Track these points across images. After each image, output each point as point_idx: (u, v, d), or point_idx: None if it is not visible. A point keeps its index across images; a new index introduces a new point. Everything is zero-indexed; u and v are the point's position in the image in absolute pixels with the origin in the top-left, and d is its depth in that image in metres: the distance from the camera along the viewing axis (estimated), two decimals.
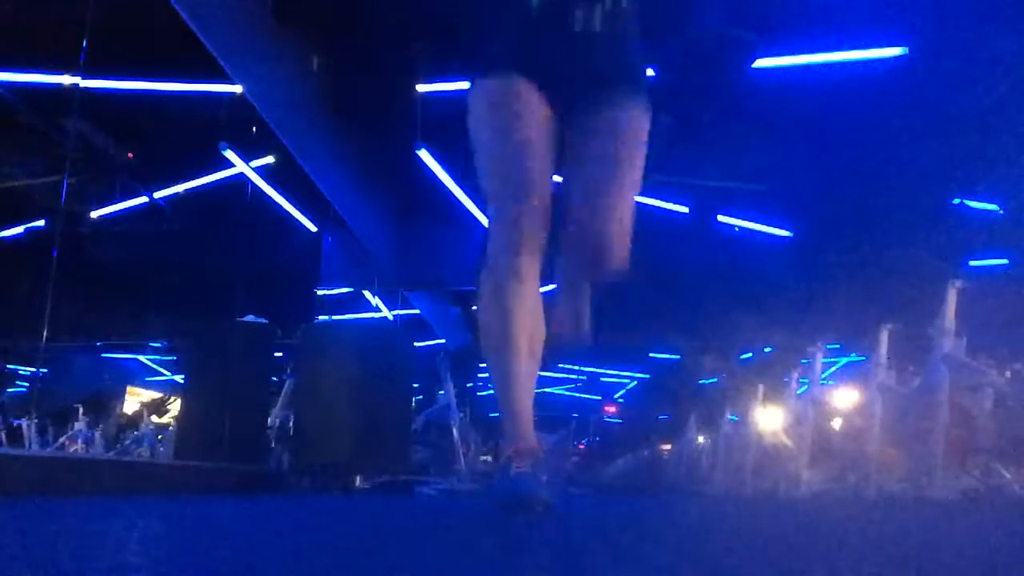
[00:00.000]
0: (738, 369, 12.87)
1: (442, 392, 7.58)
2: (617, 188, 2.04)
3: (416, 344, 7.82)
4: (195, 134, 6.83)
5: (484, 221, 8.56)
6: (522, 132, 2.01)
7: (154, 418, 10.27)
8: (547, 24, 2.01)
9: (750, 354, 13.13)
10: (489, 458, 10.32)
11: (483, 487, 6.28)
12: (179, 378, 8.67)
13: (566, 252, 2.18)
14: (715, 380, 14.31)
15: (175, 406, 9.82)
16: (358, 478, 5.80)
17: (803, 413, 6.89)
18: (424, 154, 6.95)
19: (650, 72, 5.71)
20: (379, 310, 10.52)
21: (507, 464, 1.93)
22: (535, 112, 2.03)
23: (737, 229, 8.52)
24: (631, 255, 2.10)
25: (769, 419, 7.87)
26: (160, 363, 13.94)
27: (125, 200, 8.25)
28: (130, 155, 7.61)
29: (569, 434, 13.70)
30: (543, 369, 2.14)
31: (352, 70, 6.33)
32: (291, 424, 6.35)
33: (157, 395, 11.91)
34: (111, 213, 8.33)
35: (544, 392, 15.91)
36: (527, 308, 1.99)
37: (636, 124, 2.07)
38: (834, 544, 1.13)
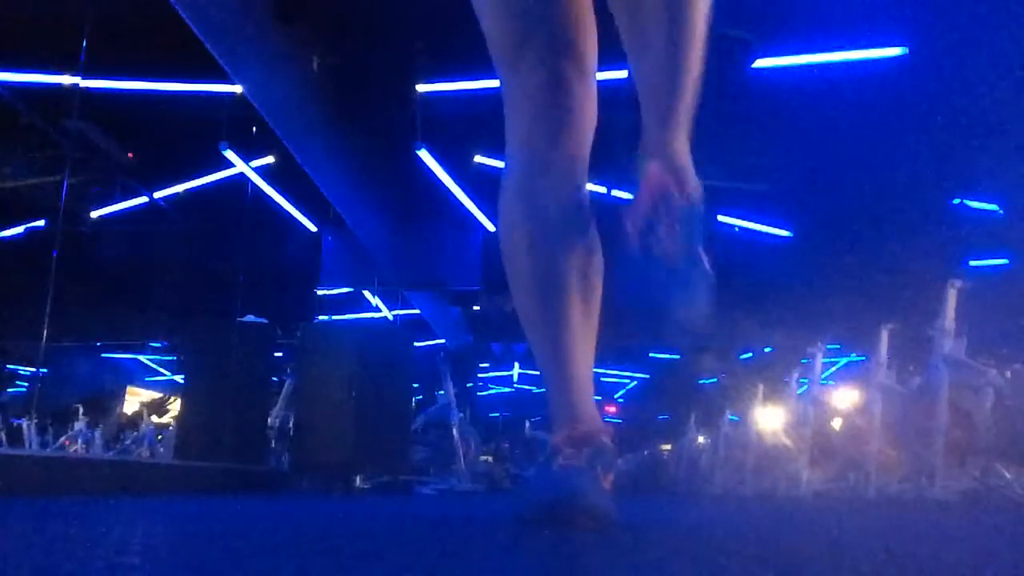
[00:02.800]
0: (738, 369, 12.87)
1: (442, 392, 7.59)
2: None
3: (416, 344, 7.82)
4: (195, 134, 6.84)
5: (485, 221, 8.59)
6: None
7: (154, 418, 10.27)
8: None
9: (750, 354, 13.13)
10: (490, 458, 10.32)
11: (484, 487, 6.28)
12: (179, 378, 8.68)
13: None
14: (715, 380, 14.32)
15: (175, 406, 9.83)
16: (358, 478, 5.80)
17: (803, 413, 6.89)
18: (424, 154, 6.95)
19: None
20: (379, 310, 10.53)
21: (552, 454, 1.33)
22: None
23: (737, 229, 8.51)
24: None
25: (769, 419, 7.88)
26: (160, 363, 13.95)
27: (125, 200, 8.25)
28: (130, 155, 7.61)
29: None
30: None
31: (352, 70, 6.33)
32: (291, 424, 6.36)
33: (157, 395, 11.92)
34: (111, 213, 8.34)
35: (544, 392, 15.76)
36: (571, 225, 1.32)
37: None
38: (834, 544, 1.13)
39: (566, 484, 1.23)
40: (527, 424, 13.69)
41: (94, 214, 8.31)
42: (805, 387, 7.40)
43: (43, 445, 9.29)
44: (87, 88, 6.04)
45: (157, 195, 8.16)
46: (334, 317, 9.67)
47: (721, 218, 8.37)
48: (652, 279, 1.12)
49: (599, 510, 1.21)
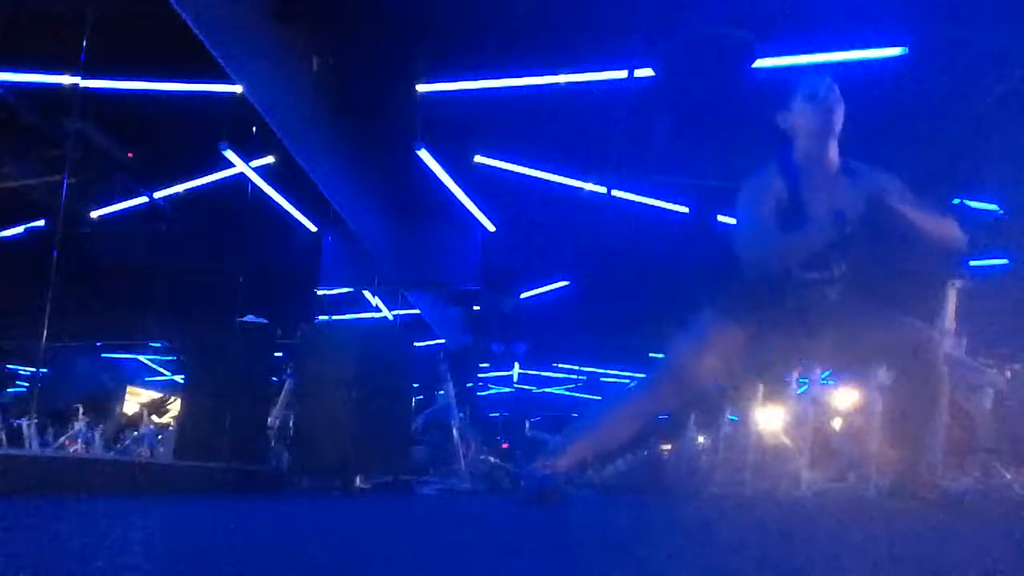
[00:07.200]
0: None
1: (442, 392, 7.58)
2: None
3: (416, 344, 7.82)
4: (195, 134, 6.83)
5: (485, 221, 8.59)
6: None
7: (154, 418, 10.25)
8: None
9: None
10: (491, 458, 10.30)
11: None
12: (179, 378, 8.68)
13: None
14: None
15: (175, 406, 9.81)
16: (358, 478, 5.80)
17: (803, 413, 6.88)
18: (424, 154, 6.95)
19: (650, 72, 5.72)
20: (379, 310, 10.52)
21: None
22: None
23: None
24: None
25: (769, 419, 7.86)
26: (160, 363, 13.96)
27: (125, 200, 8.25)
28: (130, 155, 7.61)
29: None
30: None
31: (352, 70, 6.32)
32: (291, 424, 6.36)
33: (157, 395, 11.89)
34: (111, 213, 8.33)
35: (544, 392, 15.91)
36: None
37: None
38: (834, 544, 1.13)
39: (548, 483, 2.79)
40: (527, 424, 13.68)
41: (94, 214, 8.30)
42: (805, 387, 7.39)
43: (43, 445, 9.28)
44: (87, 88, 6.03)
45: (157, 195, 8.15)
46: (334, 317, 9.66)
47: (721, 218, 8.36)
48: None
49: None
